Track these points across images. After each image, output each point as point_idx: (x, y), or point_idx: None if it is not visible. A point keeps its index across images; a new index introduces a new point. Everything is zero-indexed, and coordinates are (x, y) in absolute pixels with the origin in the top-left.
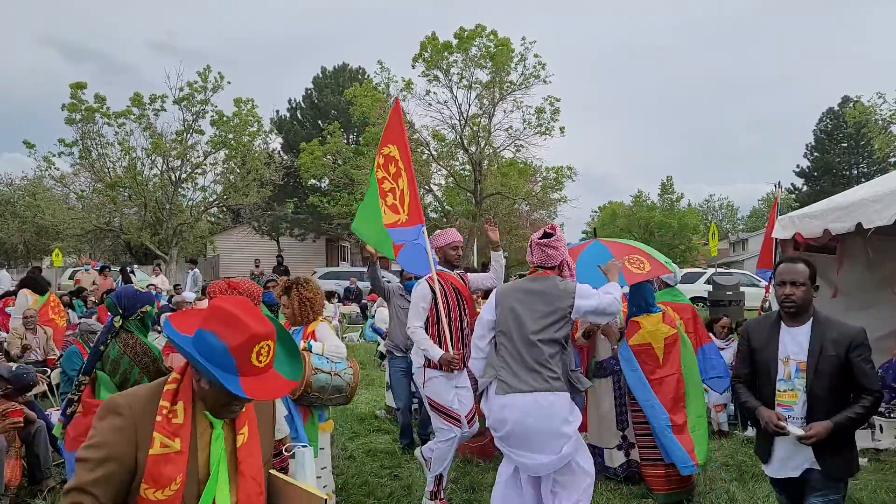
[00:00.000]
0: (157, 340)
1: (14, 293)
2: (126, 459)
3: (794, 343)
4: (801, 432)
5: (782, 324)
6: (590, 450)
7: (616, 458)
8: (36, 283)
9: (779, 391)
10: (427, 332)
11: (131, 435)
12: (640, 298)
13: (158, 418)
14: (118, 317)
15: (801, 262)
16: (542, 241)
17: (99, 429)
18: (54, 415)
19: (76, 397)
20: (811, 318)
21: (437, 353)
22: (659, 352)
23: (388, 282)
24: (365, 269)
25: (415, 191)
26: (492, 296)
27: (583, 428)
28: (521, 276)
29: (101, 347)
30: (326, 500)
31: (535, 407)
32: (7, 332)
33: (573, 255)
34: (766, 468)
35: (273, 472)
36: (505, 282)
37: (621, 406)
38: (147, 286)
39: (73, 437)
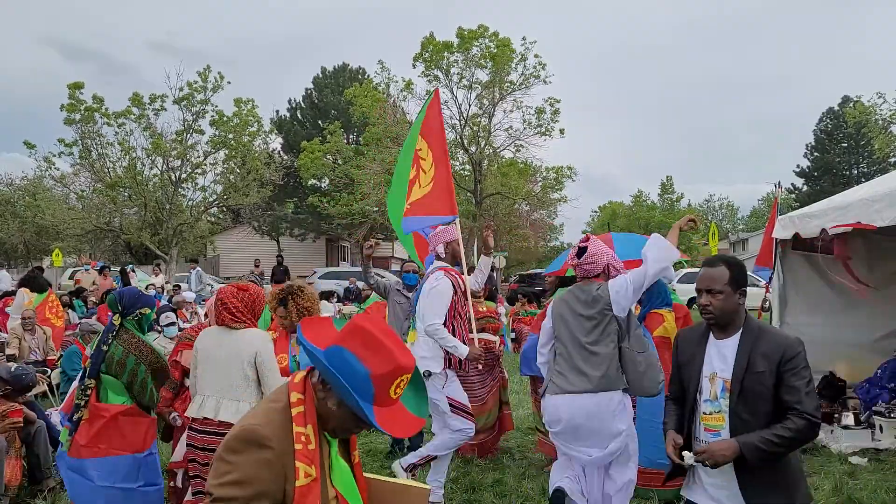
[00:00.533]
0: (157, 341)
1: (14, 293)
2: (277, 494)
3: (719, 358)
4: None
5: (711, 336)
6: None
7: None
8: (34, 281)
9: (704, 413)
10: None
11: (279, 469)
12: (663, 291)
13: (298, 446)
14: (117, 315)
15: (722, 263)
16: (577, 262)
17: (241, 463)
18: (54, 415)
19: (83, 402)
20: (740, 330)
21: (463, 349)
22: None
23: (382, 277)
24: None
25: (450, 183)
26: (549, 305)
27: None
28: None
29: (104, 347)
30: (428, 491)
31: (584, 406)
32: (7, 333)
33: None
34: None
35: (367, 474)
36: (504, 281)
37: None
38: (147, 286)
39: (83, 445)
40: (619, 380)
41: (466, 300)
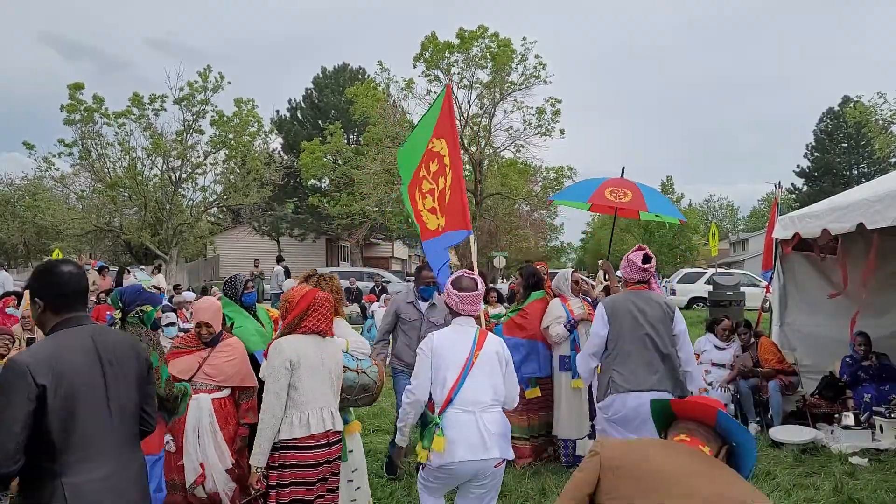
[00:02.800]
0: None
1: (14, 293)
2: None
3: None
4: None
5: None
6: (561, 443)
7: (588, 448)
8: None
9: None
10: None
11: None
12: None
13: None
14: (118, 311)
15: None
16: (645, 265)
17: None
18: None
19: None
20: None
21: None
22: None
23: (387, 282)
24: (365, 269)
25: (462, 192)
26: (601, 311)
27: None
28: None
29: None
30: None
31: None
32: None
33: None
34: None
35: None
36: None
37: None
38: (149, 287)
39: None
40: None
41: None
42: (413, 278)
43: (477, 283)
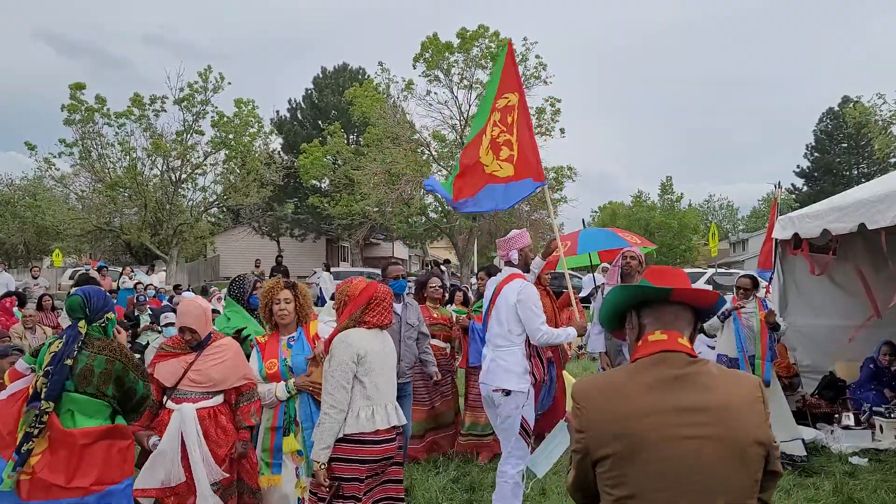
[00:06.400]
0: (157, 341)
1: (16, 293)
2: None
3: None
4: None
5: None
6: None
7: None
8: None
9: None
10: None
11: None
12: None
13: None
14: (83, 321)
15: None
16: None
17: None
18: None
19: (36, 430)
20: None
21: (573, 331)
22: None
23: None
24: (365, 269)
25: (534, 143)
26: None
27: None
28: None
29: (68, 362)
30: None
31: None
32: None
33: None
34: None
35: None
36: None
37: None
38: (146, 286)
39: (46, 485)
40: None
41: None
42: (381, 276)
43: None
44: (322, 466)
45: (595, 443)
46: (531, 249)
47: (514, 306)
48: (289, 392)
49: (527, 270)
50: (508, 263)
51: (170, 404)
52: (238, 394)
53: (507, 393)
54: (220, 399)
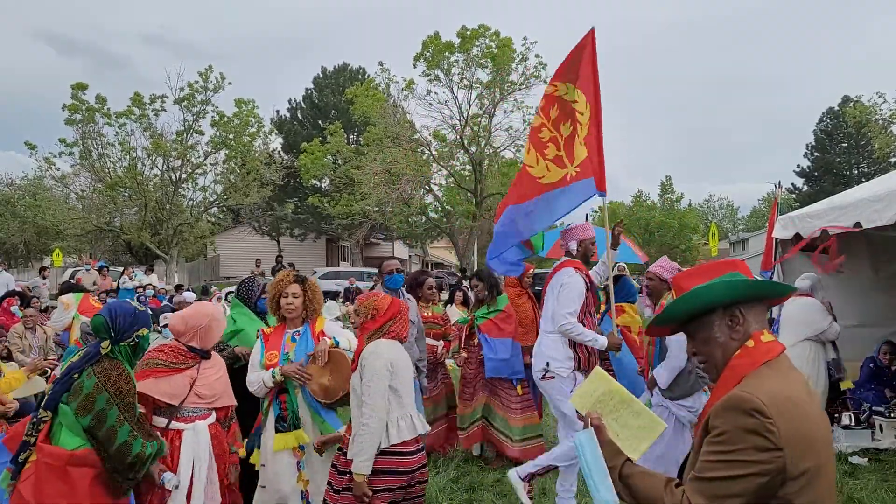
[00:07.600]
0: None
1: (17, 293)
2: None
3: None
4: None
5: None
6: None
7: None
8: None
9: None
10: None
11: None
12: (627, 286)
13: None
14: (107, 342)
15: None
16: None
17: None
18: None
19: (33, 439)
20: None
21: (603, 340)
22: (636, 336)
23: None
24: (365, 269)
25: (600, 147)
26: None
27: None
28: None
29: (74, 376)
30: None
31: None
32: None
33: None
34: None
35: None
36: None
37: None
38: (145, 285)
39: (28, 500)
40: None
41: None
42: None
43: None
44: (364, 480)
45: (795, 459)
46: (591, 243)
47: (558, 291)
48: (274, 377)
49: (586, 262)
50: (567, 254)
51: (176, 425)
52: (225, 412)
53: (546, 375)
54: (214, 416)
